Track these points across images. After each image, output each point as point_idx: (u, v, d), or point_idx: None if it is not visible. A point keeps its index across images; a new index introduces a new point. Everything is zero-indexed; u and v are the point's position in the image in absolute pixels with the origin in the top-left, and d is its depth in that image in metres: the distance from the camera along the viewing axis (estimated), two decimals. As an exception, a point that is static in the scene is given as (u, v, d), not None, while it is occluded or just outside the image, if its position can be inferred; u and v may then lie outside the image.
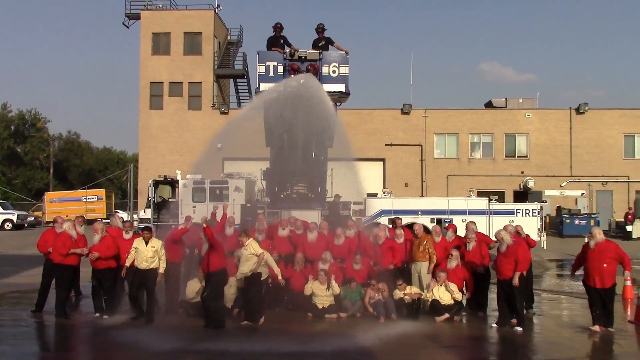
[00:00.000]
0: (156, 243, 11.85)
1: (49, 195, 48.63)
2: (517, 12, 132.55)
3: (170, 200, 24.32)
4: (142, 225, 22.33)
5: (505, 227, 12.44)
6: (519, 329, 11.35)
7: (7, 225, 41.65)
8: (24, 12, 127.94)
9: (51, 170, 65.03)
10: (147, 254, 11.69)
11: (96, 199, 47.56)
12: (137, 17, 43.80)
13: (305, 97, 15.42)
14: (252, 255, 11.45)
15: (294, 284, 13.03)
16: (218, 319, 11.42)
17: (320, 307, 12.47)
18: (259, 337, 11.03)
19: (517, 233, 12.45)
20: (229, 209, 16.13)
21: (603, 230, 29.12)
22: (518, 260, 11.31)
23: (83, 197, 47.30)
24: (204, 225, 11.68)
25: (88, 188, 50.25)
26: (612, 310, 11.25)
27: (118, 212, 46.51)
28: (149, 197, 24.42)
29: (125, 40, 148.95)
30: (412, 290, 12.54)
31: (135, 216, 36.95)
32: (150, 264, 11.71)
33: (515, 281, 11.31)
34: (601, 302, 11.23)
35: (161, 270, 11.80)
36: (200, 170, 23.41)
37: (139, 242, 11.81)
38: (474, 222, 13.80)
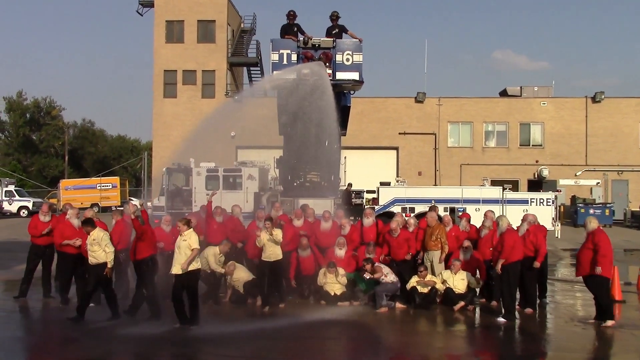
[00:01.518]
0: (97, 234, 11.00)
1: (64, 183, 49.08)
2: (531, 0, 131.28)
3: (183, 188, 24.37)
4: (155, 213, 22.45)
5: (525, 217, 12.41)
6: (502, 320, 11.23)
7: (23, 212, 42.06)
8: (38, 1, 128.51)
9: (66, 158, 65.48)
10: (91, 248, 11.00)
11: (110, 187, 47.98)
12: (150, 4, 43.86)
13: (313, 85, 15.45)
14: (189, 248, 10.50)
15: (305, 268, 13.07)
16: (153, 308, 11.24)
17: (332, 294, 12.51)
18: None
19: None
20: (242, 197, 16.11)
21: (618, 220, 28.79)
22: (503, 249, 11.24)
23: (98, 185, 47.69)
24: (132, 217, 11.24)
25: (102, 176, 50.62)
26: (601, 302, 10.96)
27: (132, 200, 46.83)
28: (162, 185, 24.48)
29: (139, 28, 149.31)
30: (432, 278, 12.51)
31: (149, 204, 37.15)
32: (94, 258, 10.95)
33: (497, 268, 11.28)
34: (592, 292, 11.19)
35: (109, 265, 10.94)
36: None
37: (88, 237, 11.14)
38: (493, 212, 13.82)
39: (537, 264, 11.90)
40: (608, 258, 10.89)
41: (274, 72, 16.52)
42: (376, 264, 12.52)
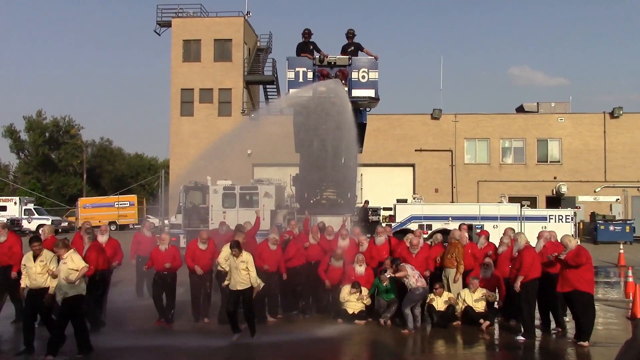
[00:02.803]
0: (46, 256, 10.12)
1: (82, 201, 49.44)
2: (547, 15, 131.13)
3: (200, 206, 24.46)
4: (172, 231, 22.53)
5: (540, 234, 12.25)
6: (521, 338, 11.05)
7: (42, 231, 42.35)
8: (57, 21, 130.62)
9: (84, 176, 66.06)
10: (36, 270, 10.10)
11: (128, 205, 48.26)
12: (168, 24, 44.33)
13: (330, 102, 15.45)
14: (72, 270, 9.51)
15: (331, 277, 12.95)
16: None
17: (350, 312, 12.40)
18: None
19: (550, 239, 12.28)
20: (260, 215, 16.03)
21: (638, 237, 28.18)
22: (522, 266, 10.99)
23: (115, 203, 47.99)
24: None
25: (120, 194, 50.97)
26: (583, 320, 10.70)
27: (150, 218, 47.05)
28: (179, 202, 24.63)
29: (156, 47, 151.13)
30: (449, 295, 12.35)
31: (166, 222, 37.31)
32: (41, 283, 10.06)
33: (516, 286, 11.06)
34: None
35: (50, 291, 9.93)
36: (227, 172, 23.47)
37: (26, 258, 10.27)
38: (513, 229, 13.69)
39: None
40: (591, 274, 10.83)
41: (292, 89, 16.55)
42: (402, 263, 12.18)
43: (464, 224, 15.96)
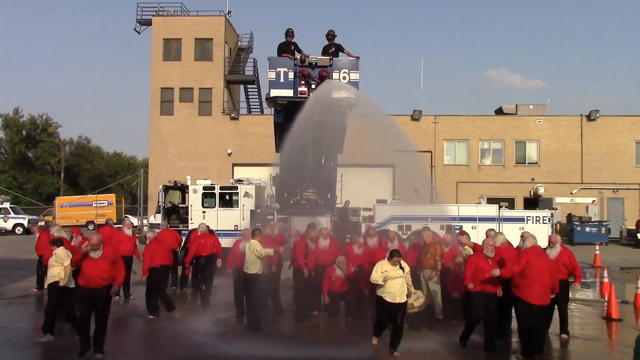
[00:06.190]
0: None
1: (59, 200, 48.90)
2: (525, 19, 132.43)
3: (180, 205, 24.37)
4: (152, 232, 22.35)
5: (523, 234, 12.26)
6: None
7: (18, 230, 41.90)
8: (36, 18, 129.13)
9: (62, 175, 65.40)
10: None
11: (106, 204, 47.82)
12: (148, 23, 44.04)
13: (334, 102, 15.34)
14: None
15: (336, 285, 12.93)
16: None
17: (394, 299, 12.12)
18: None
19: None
20: (238, 214, 16.01)
21: (614, 238, 28.39)
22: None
23: (93, 202, 47.55)
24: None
25: (98, 193, 50.53)
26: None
27: (128, 217, 46.71)
28: (158, 202, 24.49)
29: (136, 46, 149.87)
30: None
31: (145, 221, 37.12)
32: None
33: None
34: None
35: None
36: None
37: None
38: (493, 229, 13.68)
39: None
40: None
41: (274, 90, 16.45)
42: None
43: (427, 226, 15.97)
